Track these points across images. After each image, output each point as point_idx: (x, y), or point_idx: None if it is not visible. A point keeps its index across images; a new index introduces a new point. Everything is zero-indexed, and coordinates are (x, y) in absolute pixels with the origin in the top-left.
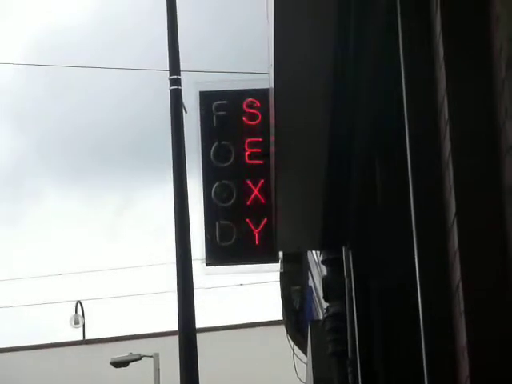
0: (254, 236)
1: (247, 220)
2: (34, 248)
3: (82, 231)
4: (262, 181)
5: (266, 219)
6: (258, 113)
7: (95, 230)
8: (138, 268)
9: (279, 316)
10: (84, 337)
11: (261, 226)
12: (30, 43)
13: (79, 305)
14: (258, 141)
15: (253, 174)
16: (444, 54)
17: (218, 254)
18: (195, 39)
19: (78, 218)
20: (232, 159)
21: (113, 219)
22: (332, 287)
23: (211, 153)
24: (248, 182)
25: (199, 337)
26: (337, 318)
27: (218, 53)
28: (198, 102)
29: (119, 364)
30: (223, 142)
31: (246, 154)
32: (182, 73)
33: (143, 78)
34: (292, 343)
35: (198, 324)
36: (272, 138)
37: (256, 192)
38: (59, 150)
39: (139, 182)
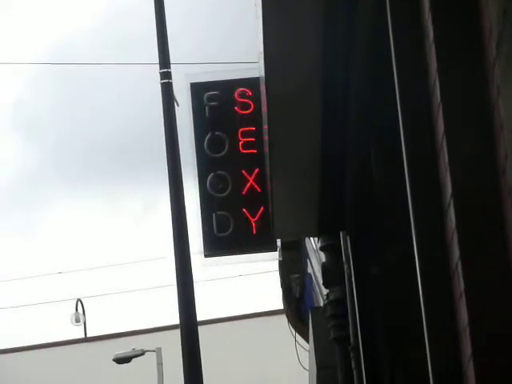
0: (252, 225)
1: (244, 209)
2: (35, 248)
3: (82, 229)
4: (257, 170)
5: (262, 208)
6: (250, 102)
7: (96, 228)
8: (138, 263)
9: (280, 305)
10: (85, 334)
11: (257, 215)
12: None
13: (79, 303)
14: (252, 130)
15: (247, 163)
16: (434, 35)
17: (215, 245)
18: (188, 36)
19: (84, 220)
20: (226, 149)
21: (120, 219)
22: (331, 273)
23: (205, 144)
24: (243, 171)
25: (201, 329)
26: (337, 304)
27: (211, 49)
28: (190, 93)
29: (122, 360)
30: (216, 133)
31: (240, 143)
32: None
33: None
34: (294, 332)
35: (200, 317)
36: (265, 127)
37: (251, 181)
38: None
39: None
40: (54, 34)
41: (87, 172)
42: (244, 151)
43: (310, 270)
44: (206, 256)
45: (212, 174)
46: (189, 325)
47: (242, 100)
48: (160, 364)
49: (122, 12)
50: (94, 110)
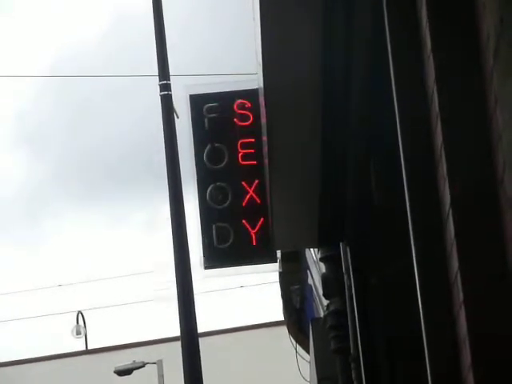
0: (251, 237)
1: (243, 221)
2: (35, 261)
3: (82, 241)
4: (257, 181)
5: (262, 219)
6: (250, 113)
7: (96, 240)
8: (138, 275)
9: (281, 316)
10: (86, 347)
11: (257, 226)
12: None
13: (80, 315)
14: (251, 141)
15: (247, 174)
16: (431, 46)
17: (215, 257)
18: (186, 44)
19: (84, 232)
20: (225, 161)
21: (121, 231)
22: (331, 284)
23: (204, 156)
24: (243, 182)
25: (202, 341)
26: (337, 315)
27: (209, 57)
28: (189, 105)
29: (123, 372)
30: (216, 145)
31: (240, 155)
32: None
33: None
34: (294, 343)
35: (200, 328)
36: (264, 138)
37: (251, 192)
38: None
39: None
40: (56, 46)
41: (89, 184)
42: (243, 163)
43: (310, 280)
44: (205, 268)
45: (212, 186)
46: (189, 336)
47: (241, 111)
48: (161, 376)
49: (122, 24)
50: (96, 122)
